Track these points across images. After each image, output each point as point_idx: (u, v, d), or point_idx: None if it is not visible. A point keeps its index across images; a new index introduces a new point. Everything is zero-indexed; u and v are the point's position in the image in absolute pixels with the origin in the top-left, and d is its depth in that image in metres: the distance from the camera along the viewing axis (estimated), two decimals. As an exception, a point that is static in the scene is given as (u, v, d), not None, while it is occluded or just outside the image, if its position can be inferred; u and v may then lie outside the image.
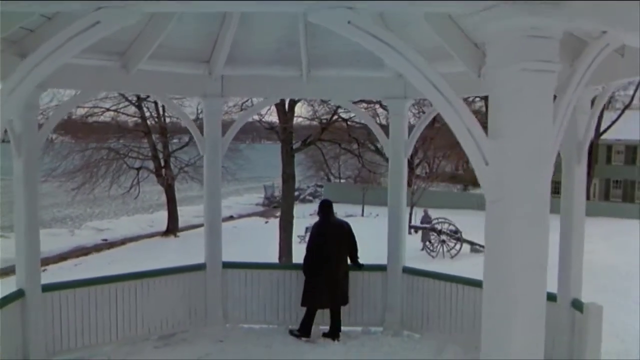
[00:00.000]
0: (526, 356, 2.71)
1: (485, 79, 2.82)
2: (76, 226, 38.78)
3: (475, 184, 50.12)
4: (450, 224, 22.09)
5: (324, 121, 21.29)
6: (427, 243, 21.94)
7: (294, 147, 18.96)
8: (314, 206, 45.64)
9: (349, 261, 7.87)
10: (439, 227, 21.99)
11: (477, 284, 7.24)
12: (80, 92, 7.19)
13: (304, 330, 7.59)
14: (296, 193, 55.24)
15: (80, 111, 27.61)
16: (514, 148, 2.67)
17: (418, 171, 36.50)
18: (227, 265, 7.98)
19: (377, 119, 30.56)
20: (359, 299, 7.94)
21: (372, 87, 7.80)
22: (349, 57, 7.52)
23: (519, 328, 2.71)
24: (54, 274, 26.07)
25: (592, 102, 6.18)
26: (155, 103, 29.34)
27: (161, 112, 29.80)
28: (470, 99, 36.23)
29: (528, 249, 2.73)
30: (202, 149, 7.81)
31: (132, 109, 29.24)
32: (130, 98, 28.24)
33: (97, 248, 32.06)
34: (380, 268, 7.98)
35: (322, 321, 7.75)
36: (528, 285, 2.74)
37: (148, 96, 28.86)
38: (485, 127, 2.87)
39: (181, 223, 33.62)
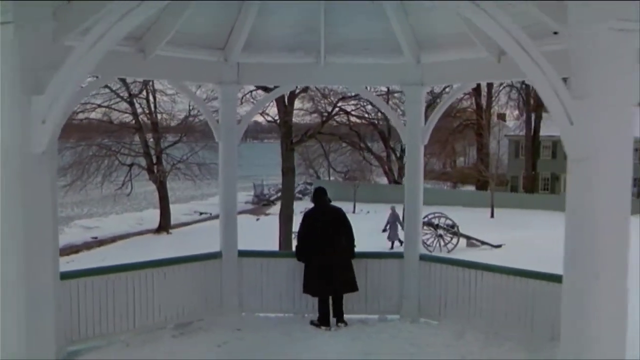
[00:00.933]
0: (612, 321, 2.71)
1: (569, 40, 2.77)
2: (65, 224, 38.39)
3: (464, 182, 50.56)
4: (447, 219, 22.12)
5: (325, 115, 21.29)
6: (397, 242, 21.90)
7: (294, 140, 18.90)
8: (304, 204, 45.67)
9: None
10: (435, 221, 22.00)
11: (496, 269, 7.30)
12: (100, 77, 7.11)
13: (323, 320, 7.55)
14: (286, 191, 55.49)
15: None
16: (600, 107, 2.68)
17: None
18: (243, 253, 7.92)
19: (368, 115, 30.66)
20: (375, 287, 7.91)
21: (389, 73, 7.80)
22: (367, 44, 7.52)
23: (604, 285, 2.71)
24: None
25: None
26: (147, 100, 29.14)
27: (153, 109, 29.59)
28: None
29: (612, 206, 2.74)
30: (218, 137, 7.74)
31: (124, 106, 28.98)
32: (122, 94, 28.00)
33: (88, 246, 31.79)
34: (397, 256, 7.96)
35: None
36: (612, 243, 2.74)
37: (140, 92, 28.76)
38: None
39: (171, 221, 33.41)
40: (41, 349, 2.71)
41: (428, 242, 21.30)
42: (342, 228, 7.77)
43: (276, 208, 46.46)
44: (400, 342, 7.04)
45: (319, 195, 7.98)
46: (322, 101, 21.64)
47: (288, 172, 18.65)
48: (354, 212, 39.46)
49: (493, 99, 41.57)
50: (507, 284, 7.14)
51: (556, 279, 6.89)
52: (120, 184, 29.67)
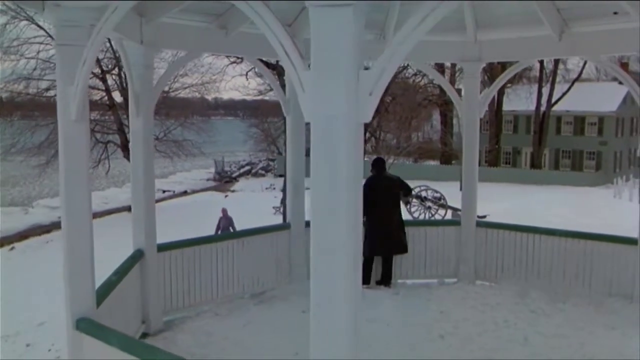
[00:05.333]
0: None
1: None
2: (28, 204, 37.34)
3: (427, 157, 51.58)
4: (435, 191, 22.68)
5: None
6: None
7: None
8: (269, 180, 45.76)
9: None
10: (423, 194, 22.55)
11: (555, 233, 7.86)
12: (188, 52, 7.24)
13: (363, 279, 8.04)
14: (248, 167, 55.22)
15: (42, 84, 26.64)
16: None
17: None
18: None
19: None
20: (433, 252, 8.39)
21: (449, 50, 8.17)
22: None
23: None
24: (24, 252, 25.24)
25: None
26: (120, 76, 28.55)
27: (125, 85, 29.01)
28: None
29: None
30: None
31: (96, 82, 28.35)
32: (94, 71, 27.35)
33: (57, 225, 30.92)
34: (454, 223, 8.43)
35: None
36: None
37: (113, 69, 28.22)
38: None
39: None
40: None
41: (415, 215, 21.78)
42: (398, 193, 8.45)
43: (240, 185, 46.59)
44: (471, 301, 7.53)
45: (379, 165, 8.56)
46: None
47: (294, 147, 18.64)
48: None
49: (457, 75, 42.36)
50: (565, 245, 7.73)
51: (612, 239, 7.56)
52: (96, 162, 29.04)
